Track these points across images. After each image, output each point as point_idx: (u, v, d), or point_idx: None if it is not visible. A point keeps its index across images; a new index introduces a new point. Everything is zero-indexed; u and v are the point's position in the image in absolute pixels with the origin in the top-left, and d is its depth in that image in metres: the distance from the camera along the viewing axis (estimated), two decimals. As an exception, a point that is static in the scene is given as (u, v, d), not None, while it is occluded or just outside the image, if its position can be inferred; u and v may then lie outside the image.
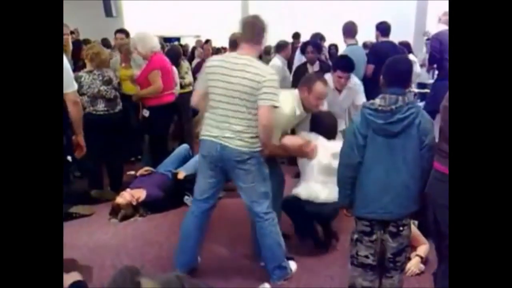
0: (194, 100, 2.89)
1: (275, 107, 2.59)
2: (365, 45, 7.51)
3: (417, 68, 6.40)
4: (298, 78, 4.91)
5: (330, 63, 5.54)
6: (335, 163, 3.00)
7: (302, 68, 5.04)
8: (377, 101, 2.28)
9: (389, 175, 2.26)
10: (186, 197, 4.20)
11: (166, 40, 7.86)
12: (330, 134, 3.26)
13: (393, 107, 2.21)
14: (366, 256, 2.42)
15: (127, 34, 5.62)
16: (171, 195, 4.16)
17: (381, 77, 2.38)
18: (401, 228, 2.35)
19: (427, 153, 2.23)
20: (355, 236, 2.45)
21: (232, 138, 2.61)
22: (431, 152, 2.23)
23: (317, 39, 6.02)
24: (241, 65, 2.59)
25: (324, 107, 3.36)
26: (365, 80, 5.10)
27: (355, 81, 4.04)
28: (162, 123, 4.59)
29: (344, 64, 3.91)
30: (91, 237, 3.63)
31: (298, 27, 8.21)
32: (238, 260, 3.20)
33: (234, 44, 4.94)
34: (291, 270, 2.97)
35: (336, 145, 2.93)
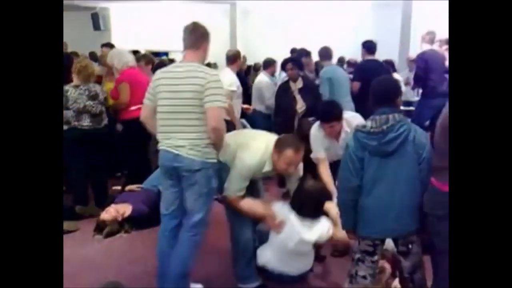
0: (142, 114, 2.83)
1: (223, 107, 2.59)
2: (348, 63, 7.61)
3: (401, 87, 6.50)
4: (281, 95, 4.93)
5: (317, 81, 5.55)
6: (303, 249, 2.93)
7: (285, 85, 4.95)
8: (369, 123, 2.30)
9: (390, 194, 2.28)
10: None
11: (154, 54, 7.84)
12: (313, 211, 2.92)
13: (384, 127, 2.24)
14: (364, 277, 2.41)
15: (112, 48, 5.65)
16: (157, 210, 4.10)
17: (370, 98, 2.41)
18: (410, 246, 2.34)
19: (426, 166, 2.25)
20: (357, 255, 2.44)
21: (184, 146, 2.57)
22: (429, 164, 2.25)
23: (302, 54, 6.00)
24: (185, 72, 2.60)
25: (322, 155, 3.29)
26: (352, 97, 5.16)
27: (352, 115, 3.45)
28: (135, 137, 4.44)
29: (324, 114, 3.34)
30: (75, 253, 3.57)
31: (287, 42, 8.22)
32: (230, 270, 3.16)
33: (231, 59, 4.98)
34: None
35: (310, 232, 2.83)
